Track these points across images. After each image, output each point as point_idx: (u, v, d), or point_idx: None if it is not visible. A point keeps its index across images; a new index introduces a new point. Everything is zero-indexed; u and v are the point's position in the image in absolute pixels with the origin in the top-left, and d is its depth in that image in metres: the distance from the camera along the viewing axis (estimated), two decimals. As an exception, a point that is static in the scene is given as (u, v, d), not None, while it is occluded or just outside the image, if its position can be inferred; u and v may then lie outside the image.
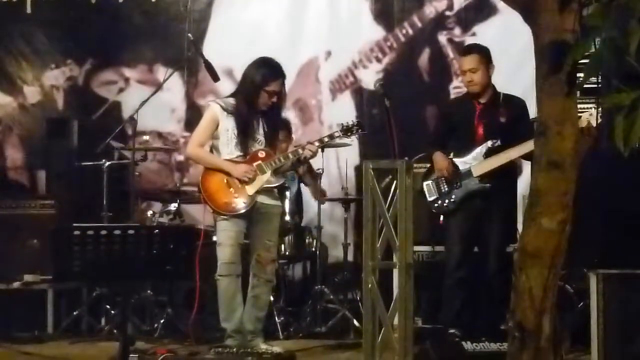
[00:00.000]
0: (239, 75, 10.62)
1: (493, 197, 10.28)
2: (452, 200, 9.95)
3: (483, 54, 10.48)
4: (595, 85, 7.46)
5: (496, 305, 10.13)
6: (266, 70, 10.16)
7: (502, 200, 10.34)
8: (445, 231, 10.12)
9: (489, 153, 10.15)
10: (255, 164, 10.13)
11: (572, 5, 7.24)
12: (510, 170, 10.35)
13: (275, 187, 10.40)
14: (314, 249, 11.85)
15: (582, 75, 7.30)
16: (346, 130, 10.65)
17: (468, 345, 9.73)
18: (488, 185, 10.15)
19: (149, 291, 11.64)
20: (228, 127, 10.23)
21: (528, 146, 9.48)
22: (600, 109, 8.51)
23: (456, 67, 11.18)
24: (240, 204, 10.12)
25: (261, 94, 10.11)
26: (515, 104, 10.48)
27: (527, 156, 9.84)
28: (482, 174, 10.14)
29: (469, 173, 10.11)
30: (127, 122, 12.52)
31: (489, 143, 10.19)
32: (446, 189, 9.97)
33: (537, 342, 7.24)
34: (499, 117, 10.33)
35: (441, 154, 10.08)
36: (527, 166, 10.43)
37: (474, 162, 10.14)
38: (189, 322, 11.02)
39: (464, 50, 10.90)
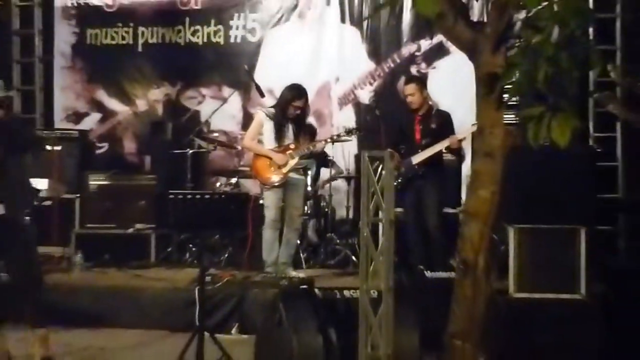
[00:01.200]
0: (277, 94, 10.61)
1: (428, 180, 10.25)
2: (399, 180, 9.89)
3: (419, 82, 10.54)
4: (516, 102, 7.41)
5: (438, 246, 10.20)
6: (294, 92, 10.21)
7: (434, 179, 10.30)
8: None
9: (422, 148, 10.16)
10: (287, 152, 10.13)
11: (500, 49, 7.14)
12: (439, 159, 10.32)
13: (301, 167, 10.40)
14: (326, 210, 11.79)
15: (506, 95, 7.24)
16: (348, 132, 10.83)
17: (428, 274, 9.69)
18: (422, 170, 10.20)
19: (217, 236, 11.59)
20: (269, 127, 10.26)
21: (446, 143, 10.04)
22: (518, 118, 8.43)
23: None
24: (278, 178, 10.13)
25: (290, 107, 10.13)
26: (443, 115, 10.45)
27: (448, 149, 10.22)
28: (419, 162, 10.15)
29: (410, 162, 10.10)
30: (203, 124, 12.54)
31: (423, 141, 10.23)
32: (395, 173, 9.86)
33: (474, 273, 7.17)
34: (430, 124, 10.31)
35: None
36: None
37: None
38: (244, 257, 11.02)
39: (406, 80, 10.86)
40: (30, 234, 7.87)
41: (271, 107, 10.51)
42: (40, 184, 10.66)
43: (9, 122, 7.80)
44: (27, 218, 7.75)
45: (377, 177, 6.27)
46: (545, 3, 6.65)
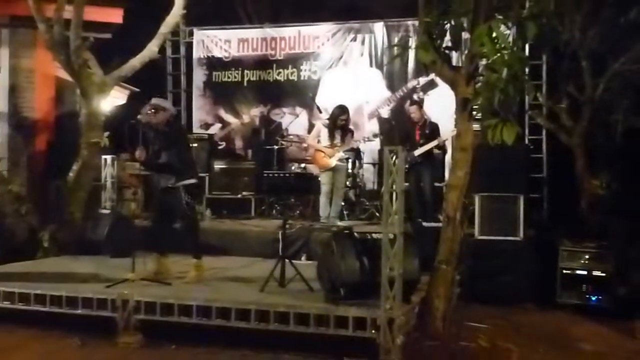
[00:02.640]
0: (330, 111, 10.58)
1: (424, 165, 10.17)
2: (406, 166, 9.71)
3: (418, 104, 10.58)
4: (480, 116, 7.30)
5: (430, 207, 10.15)
6: (340, 110, 10.28)
7: (428, 165, 10.24)
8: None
9: (420, 146, 10.12)
10: (335, 148, 10.09)
11: (470, 83, 7.09)
12: (431, 153, 10.19)
13: (344, 158, 10.37)
14: (360, 184, 11.64)
15: (474, 112, 7.17)
16: (374, 135, 10.95)
17: (424, 224, 9.65)
18: (420, 159, 10.11)
19: (292, 199, 11.52)
20: (325, 133, 10.28)
21: (435, 142, 10.07)
22: (481, 126, 8.33)
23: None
24: (330, 164, 10.10)
25: (338, 120, 10.12)
26: (433, 125, 10.44)
27: (437, 146, 10.15)
28: (418, 155, 10.08)
29: (412, 154, 9.99)
30: (284, 130, 12.49)
31: (421, 141, 10.14)
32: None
33: (454, 223, 7.13)
34: (426, 130, 10.27)
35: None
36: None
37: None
38: (308, 212, 11.02)
39: (410, 103, 10.88)
40: (188, 201, 7.75)
41: (326, 119, 10.54)
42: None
43: (170, 125, 7.81)
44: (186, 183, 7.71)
45: (393, 163, 6.21)
46: (499, 54, 6.58)
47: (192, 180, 7.73)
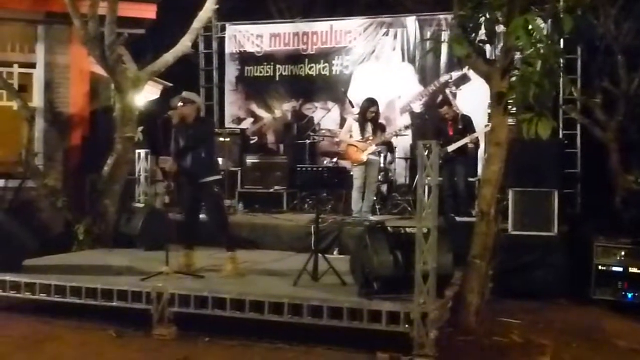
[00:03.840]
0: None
1: (458, 160, 10.11)
2: (440, 161, 9.75)
3: (449, 103, 10.53)
4: (515, 110, 7.26)
5: (464, 202, 10.13)
6: (369, 102, 10.17)
7: (461, 160, 10.16)
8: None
9: (454, 141, 10.05)
10: (368, 142, 10.04)
11: (505, 77, 7.04)
12: (465, 148, 10.09)
13: (376, 152, 10.28)
14: (392, 178, 11.66)
15: (509, 106, 7.12)
16: (406, 127, 10.89)
17: (457, 219, 9.60)
18: (453, 154, 10.03)
19: (325, 194, 11.48)
20: (356, 127, 10.19)
21: (467, 140, 9.98)
22: (516, 121, 8.28)
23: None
24: (362, 159, 10.05)
25: (368, 112, 10.06)
26: (466, 119, 10.34)
27: (472, 142, 10.09)
28: (452, 150, 10.01)
29: (446, 150, 9.85)
30: (316, 125, 12.48)
31: (455, 137, 10.08)
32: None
33: (488, 218, 7.10)
34: (458, 125, 10.19)
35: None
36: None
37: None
38: (340, 207, 11.00)
39: (440, 104, 10.71)
40: (219, 194, 7.87)
41: (357, 114, 10.49)
42: (219, 161, 10.71)
43: (201, 121, 7.89)
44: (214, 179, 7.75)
45: (427, 157, 6.18)
46: (535, 48, 6.52)
47: (219, 177, 7.95)
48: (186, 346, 6.48)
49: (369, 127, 10.21)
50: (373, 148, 10.15)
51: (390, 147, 11.46)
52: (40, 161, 10.43)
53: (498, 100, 6.98)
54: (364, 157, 10.09)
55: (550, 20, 6.92)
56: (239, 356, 6.28)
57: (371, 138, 10.15)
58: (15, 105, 10.03)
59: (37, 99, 10.75)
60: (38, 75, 10.80)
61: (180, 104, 7.70)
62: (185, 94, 7.82)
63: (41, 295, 7.28)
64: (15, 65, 10.62)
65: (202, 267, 7.90)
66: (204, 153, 7.64)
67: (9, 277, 7.38)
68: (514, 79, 6.88)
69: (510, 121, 7.56)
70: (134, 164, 10.44)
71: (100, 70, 10.41)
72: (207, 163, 7.68)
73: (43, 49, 10.79)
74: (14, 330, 6.90)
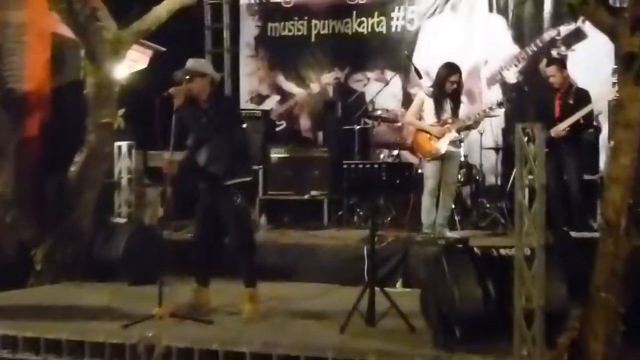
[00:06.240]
0: (433, 75, 10.50)
1: (568, 150, 10.14)
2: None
3: (559, 64, 10.49)
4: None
5: (579, 209, 10.14)
6: (449, 69, 10.11)
7: (572, 149, 10.17)
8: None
9: (560, 121, 10.09)
10: (445, 126, 9.98)
11: (637, 31, 6.95)
12: (578, 132, 10.16)
13: (457, 140, 10.22)
14: (477, 177, 11.67)
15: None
16: (499, 104, 10.67)
17: (573, 234, 9.56)
18: (561, 141, 10.01)
19: (382, 200, 11.42)
20: (429, 105, 10.12)
21: (579, 114, 10.08)
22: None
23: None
24: (438, 151, 10.01)
25: (447, 83, 9.99)
26: (580, 92, 10.30)
27: (587, 124, 10.33)
28: (558, 132, 10.02)
29: (548, 134, 9.68)
30: (368, 103, 12.45)
31: (561, 117, 10.16)
32: None
33: (617, 232, 7.00)
34: (568, 100, 10.17)
35: None
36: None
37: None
38: (405, 219, 10.98)
39: (547, 62, 10.86)
40: (241, 205, 7.70)
41: (430, 86, 10.42)
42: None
43: (217, 100, 7.90)
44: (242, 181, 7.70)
45: (528, 147, 6.13)
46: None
47: (248, 178, 7.84)
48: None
49: (447, 105, 10.13)
50: (453, 135, 10.05)
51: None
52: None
53: (627, 64, 6.88)
54: (441, 147, 10.01)
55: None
56: None
57: (450, 120, 10.08)
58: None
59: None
60: (-20, 39, 10.89)
61: (186, 77, 7.64)
62: (191, 62, 7.78)
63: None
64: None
65: (211, 307, 7.89)
66: (224, 145, 7.59)
67: None
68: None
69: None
70: (113, 162, 10.49)
71: (66, 31, 10.43)
72: (231, 158, 7.62)
73: (-13, 3, 10.89)
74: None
